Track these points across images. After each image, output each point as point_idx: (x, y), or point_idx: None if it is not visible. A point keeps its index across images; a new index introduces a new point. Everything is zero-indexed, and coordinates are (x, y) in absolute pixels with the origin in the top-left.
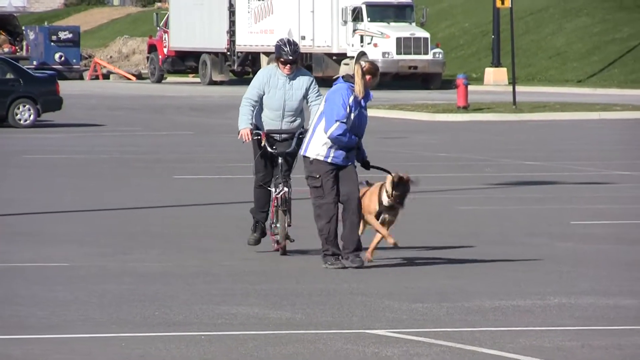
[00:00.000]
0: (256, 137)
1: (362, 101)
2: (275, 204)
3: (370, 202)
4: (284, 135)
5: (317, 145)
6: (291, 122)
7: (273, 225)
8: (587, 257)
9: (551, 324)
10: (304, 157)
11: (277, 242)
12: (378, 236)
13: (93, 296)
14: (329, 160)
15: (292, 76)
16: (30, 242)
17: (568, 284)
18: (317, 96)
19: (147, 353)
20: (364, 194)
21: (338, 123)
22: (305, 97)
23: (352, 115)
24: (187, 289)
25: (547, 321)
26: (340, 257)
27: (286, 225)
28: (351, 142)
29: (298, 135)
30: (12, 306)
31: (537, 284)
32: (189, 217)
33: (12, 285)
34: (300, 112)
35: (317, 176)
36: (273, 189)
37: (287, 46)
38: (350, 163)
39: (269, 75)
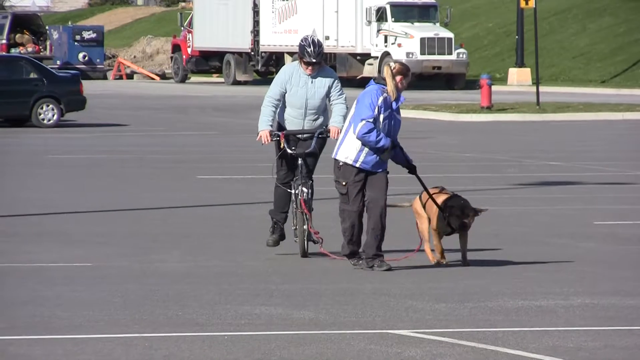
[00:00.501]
0: (275, 139)
1: (393, 104)
2: (295, 206)
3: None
4: (305, 135)
5: (348, 149)
6: (314, 120)
7: (294, 228)
8: (610, 258)
9: (574, 325)
10: (335, 160)
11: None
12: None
13: (116, 296)
14: (357, 164)
15: (315, 75)
16: (54, 243)
17: (591, 284)
18: (340, 95)
19: (170, 353)
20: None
21: (364, 122)
22: (327, 95)
23: (382, 117)
24: (210, 290)
25: (570, 321)
26: (362, 257)
27: (306, 227)
28: (380, 142)
29: (318, 135)
30: (36, 307)
31: (560, 285)
32: (213, 217)
33: (35, 285)
34: (323, 110)
35: (344, 183)
36: (293, 191)
37: (311, 47)
38: (380, 170)
39: (291, 72)
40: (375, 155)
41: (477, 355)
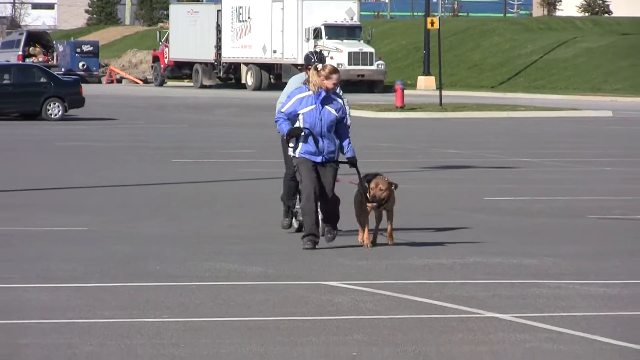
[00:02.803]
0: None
1: (314, 98)
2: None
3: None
4: None
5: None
6: None
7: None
8: (497, 226)
9: (468, 278)
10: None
11: None
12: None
13: (107, 254)
14: (297, 154)
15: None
16: (59, 211)
17: (482, 247)
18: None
19: (150, 299)
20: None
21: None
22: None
23: (308, 109)
24: (182, 249)
25: (465, 276)
26: (317, 239)
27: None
28: (282, 131)
29: None
30: (43, 262)
31: (457, 247)
32: (185, 192)
33: (43, 245)
34: None
35: (295, 165)
36: None
37: (314, 55)
38: (321, 160)
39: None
40: (308, 145)
41: (392, 302)
